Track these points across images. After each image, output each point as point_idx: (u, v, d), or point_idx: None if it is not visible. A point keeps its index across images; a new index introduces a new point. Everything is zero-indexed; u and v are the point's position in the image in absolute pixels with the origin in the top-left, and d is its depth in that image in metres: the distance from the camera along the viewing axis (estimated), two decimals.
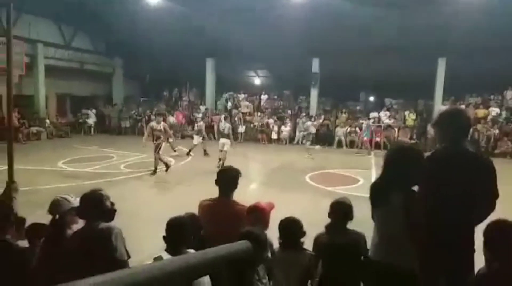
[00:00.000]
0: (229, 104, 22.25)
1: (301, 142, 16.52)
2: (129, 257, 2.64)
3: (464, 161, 2.59)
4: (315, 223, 3.14)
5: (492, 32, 14.46)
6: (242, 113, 20.52)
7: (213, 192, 3.19)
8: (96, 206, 2.61)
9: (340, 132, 17.79)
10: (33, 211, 3.65)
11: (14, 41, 4.50)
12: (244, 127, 19.35)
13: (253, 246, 1.32)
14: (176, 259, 1.03)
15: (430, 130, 15.15)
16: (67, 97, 21.91)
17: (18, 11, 15.46)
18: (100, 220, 2.59)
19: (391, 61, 16.99)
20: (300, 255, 2.91)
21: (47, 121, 18.85)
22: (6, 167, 3.96)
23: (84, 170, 11.12)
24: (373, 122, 18.42)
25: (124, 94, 24.24)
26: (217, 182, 3.16)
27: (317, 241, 3.07)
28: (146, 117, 20.37)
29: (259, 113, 20.86)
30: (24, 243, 2.91)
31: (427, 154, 2.76)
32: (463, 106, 17.48)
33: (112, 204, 2.72)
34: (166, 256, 2.25)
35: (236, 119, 19.47)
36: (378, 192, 2.68)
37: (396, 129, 17.89)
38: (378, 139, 17.39)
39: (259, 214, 2.89)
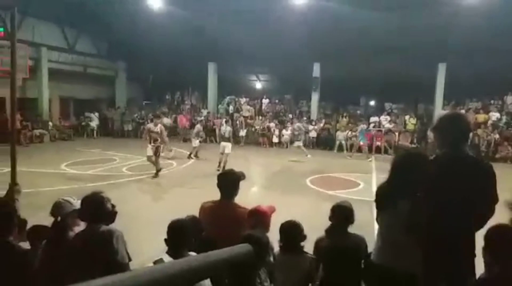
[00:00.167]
0: (231, 107, 22.30)
1: (290, 144, 16.25)
2: (130, 260, 2.65)
3: (464, 166, 2.59)
4: (316, 227, 3.15)
5: (492, 37, 14.47)
6: (244, 117, 20.57)
7: (215, 195, 3.19)
8: (97, 208, 2.62)
9: (340, 136, 17.79)
10: (35, 213, 3.67)
11: (19, 44, 4.55)
12: (245, 130, 19.37)
13: (255, 249, 1.33)
14: (177, 262, 1.04)
15: (431, 134, 15.12)
16: (70, 100, 21.97)
17: (22, 14, 15.54)
18: (101, 222, 2.61)
19: (391, 65, 17.02)
20: (301, 259, 2.91)
21: (50, 123, 18.92)
22: (9, 169, 3.98)
23: (86, 172, 11.14)
24: (374, 126, 18.46)
25: (127, 97, 24.30)
26: (219, 185, 3.16)
27: (318, 244, 3.08)
28: (149, 120, 20.38)
29: (260, 117, 20.89)
30: (25, 245, 2.92)
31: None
32: (463, 111, 17.47)
33: (113, 206, 2.73)
34: (167, 258, 2.26)
35: (237, 122, 19.52)
36: (384, 196, 2.68)
37: (397, 134, 17.89)
38: (378, 143, 17.40)
39: (259, 217, 2.89)
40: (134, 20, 18.20)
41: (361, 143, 16.36)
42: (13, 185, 3.80)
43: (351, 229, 3.04)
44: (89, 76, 21.70)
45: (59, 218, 2.73)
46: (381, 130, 17.99)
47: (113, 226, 2.68)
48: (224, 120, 14.15)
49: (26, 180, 5.73)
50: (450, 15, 14.60)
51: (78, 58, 20.68)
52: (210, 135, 19.66)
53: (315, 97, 20.39)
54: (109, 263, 2.45)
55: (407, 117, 19.18)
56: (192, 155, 14.02)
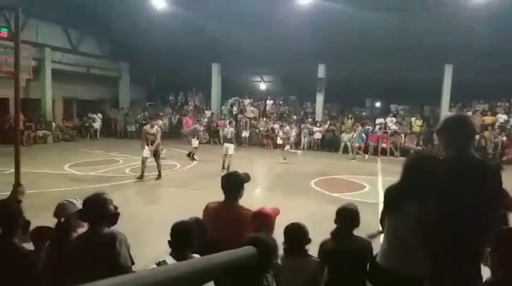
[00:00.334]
0: (235, 109, 22.31)
1: (282, 146, 16.09)
2: (133, 263, 2.63)
3: (470, 169, 2.54)
4: (320, 229, 3.12)
5: (499, 38, 14.39)
6: (248, 118, 20.57)
7: (219, 196, 3.17)
8: (99, 210, 2.59)
9: (345, 137, 17.75)
10: (39, 214, 3.66)
11: (22, 45, 4.56)
12: (248, 132, 19.35)
13: (261, 252, 1.31)
14: (180, 264, 1.02)
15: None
16: (73, 101, 22.05)
17: (26, 15, 15.61)
18: (103, 224, 2.58)
19: (397, 66, 16.96)
20: (305, 262, 2.88)
21: (54, 124, 18.98)
22: (12, 170, 3.98)
23: (89, 173, 11.15)
24: (379, 128, 18.43)
25: (130, 98, 24.37)
26: (223, 187, 3.14)
27: (323, 247, 3.05)
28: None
29: (264, 118, 20.88)
30: (29, 246, 2.91)
31: None
32: (470, 113, 17.39)
33: (116, 208, 2.71)
34: (170, 260, 2.24)
35: (241, 123, 19.53)
36: (393, 198, 2.64)
37: (403, 136, 17.84)
38: (384, 145, 17.38)
39: (264, 219, 2.87)
40: (137, 21, 18.23)
41: (356, 144, 16.39)
42: (17, 186, 3.81)
43: (357, 232, 3.01)
44: (92, 77, 21.78)
45: (62, 219, 2.72)
46: (386, 132, 17.96)
47: (116, 228, 2.66)
48: (227, 121, 14.18)
49: (30, 181, 5.73)
50: (456, 16, 14.52)
51: (82, 58, 20.75)
52: (214, 136, 19.68)
53: (320, 98, 20.34)
54: (112, 266, 2.43)
55: (413, 119, 19.12)
56: (191, 155, 14.01)
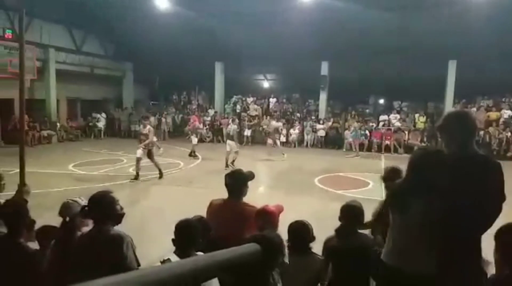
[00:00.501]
0: (238, 107, 22.30)
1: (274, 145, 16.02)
2: (139, 265, 2.63)
3: (473, 165, 2.52)
4: (324, 227, 3.11)
5: (503, 33, 14.29)
6: (251, 116, 20.56)
7: (222, 194, 3.17)
8: (107, 208, 2.58)
9: (349, 135, 17.71)
10: (44, 213, 3.68)
11: (26, 46, 4.57)
12: (251, 130, 19.34)
13: (266, 250, 1.31)
14: (184, 262, 1.03)
15: None
16: (77, 101, 22.13)
17: (30, 16, 15.66)
18: (108, 222, 2.58)
19: (401, 63, 16.89)
20: (309, 259, 2.88)
21: (58, 124, 19.07)
22: (17, 170, 4.00)
23: (94, 173, 11.20)
24: (383, 125, 18.39)
25: (134, 98, 24.41)
26: (226, 185, 3.13)
27: (327, 244, 3.03)
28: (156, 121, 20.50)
29: (267, 117, 20.85)
30: (34, 245, 2.93)
31: None
32: (474, 109, 17.31)
33: (121, 208, 2.71)
34: (174, 258, 2.26)
35: (245, 121, 19.51)
36: (399, 195, 2.61)
37: (406, 132, 17.77)
38: (388, 142, 17.33)
39: (267, 217, 2.85)
40: (140, 21, 18.26)
41: (350, 140, 16.42)
42: (22, 186, 3.83)
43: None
44: (96, 77, 21.84)
45: (67, 219, 2.73)
46: (390, 129, 17.91)
47: (120, 226, 2.66)
48: (230, 119, 14.20)
49: (35, 180, 5.77)
50: (460, 12, 14.44)
51: (85, 59, 20.81)
52: (217, 134, 19.69)
53: (323, 96, 20.28)
54: (118, 268, 2.44)
55: (416, 115, 19.02)
56: (192, 153, 14.04)
